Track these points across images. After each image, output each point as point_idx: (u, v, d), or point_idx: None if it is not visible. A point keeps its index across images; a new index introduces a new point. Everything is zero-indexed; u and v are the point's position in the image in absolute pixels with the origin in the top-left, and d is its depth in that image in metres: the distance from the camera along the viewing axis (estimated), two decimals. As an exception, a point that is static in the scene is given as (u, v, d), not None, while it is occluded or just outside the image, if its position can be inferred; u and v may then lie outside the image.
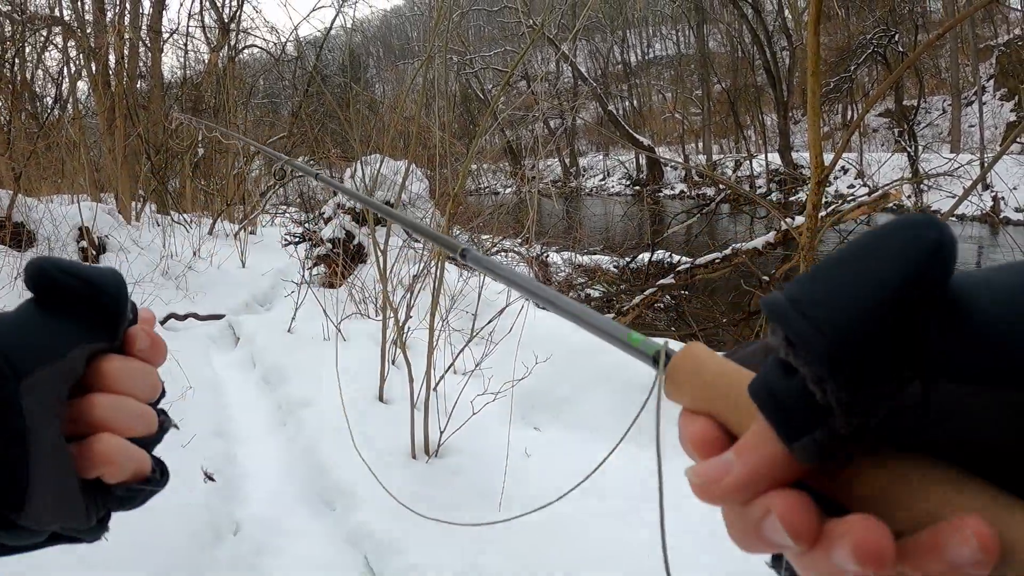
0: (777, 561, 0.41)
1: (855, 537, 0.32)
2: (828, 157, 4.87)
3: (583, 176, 38.78)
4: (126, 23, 17.78)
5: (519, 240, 11.23)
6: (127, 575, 3.33)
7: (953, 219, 7.22)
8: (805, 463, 0.35)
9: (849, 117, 32.23)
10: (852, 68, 27.54)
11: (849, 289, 0.34)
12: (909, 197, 18.67)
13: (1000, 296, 0.33)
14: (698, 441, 0.40)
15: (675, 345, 0.47)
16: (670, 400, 0.45)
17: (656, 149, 33.86)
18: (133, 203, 15.46)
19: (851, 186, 21.98)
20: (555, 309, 0.67)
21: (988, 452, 0.32)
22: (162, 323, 8.43)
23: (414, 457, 4.69)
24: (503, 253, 11.48)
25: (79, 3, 17.08)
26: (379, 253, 5.29)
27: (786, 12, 33.78)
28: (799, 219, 8.09)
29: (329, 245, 10.40)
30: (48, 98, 18.36)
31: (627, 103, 44.04)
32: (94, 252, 9.54)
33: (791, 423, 0.34)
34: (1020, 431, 0.32)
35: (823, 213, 6.09)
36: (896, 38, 26.37)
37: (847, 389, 0.33)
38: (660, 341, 0.49)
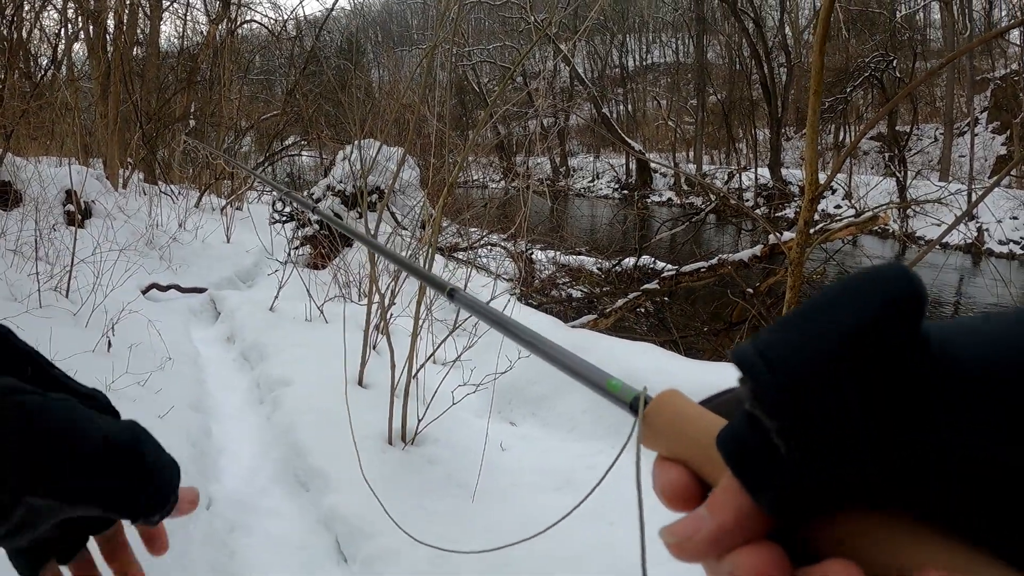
0: None
1: None
2: (820, 176, 4.91)
3: (572, 177, 38.79)
4: (127, -12, 17.66)
5: (505, 236, 11.23)
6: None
7: (937, 248, 7.26)
8: (773, 516, 0.34)
9: (842, 138, 32.35)
10: (848, 90, 27.64)
11: (808, 337, 0.33)
12: (895, 222, 18.78)
13: (984, 352, 0.32)
14: (668, 490, 0.41)
15: (653, 389, 0.47)
16: (646, 447, 0.45)
17: (647, 155, 33.90)
18: (121, 170, 15.38)
19: (838, 206, 22.03)
20: (537, 352, 0.65)
21: (963, 512, 0.32)
22: (144, 292, 8.40)
23: (390, 443, 4.69)
24: (490, 248, 11.47)
25: (80, -36, 16.95)
26: (369, 237, 5.28)
27: (787, 29, 33.95)
28: (787, 234, 8.13)
29: (316, 226, 10.38)
30: (44, 58, 18.26)
31: (621, 107, 44.08)
32: (80, 216, 9.48)
33: (756, 477, 0.34)
34: (996, 489, 0.31)
35: (811, 230, 6.13)
36: (894, 63, 26.50)
37: (802, 438, 0.32)
38: (639, 388, 0.49)
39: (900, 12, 31.91)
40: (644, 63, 47.74)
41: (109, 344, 5.93)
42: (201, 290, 9.19)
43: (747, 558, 0.34)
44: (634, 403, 0.47)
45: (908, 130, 28.38)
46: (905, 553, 0.32)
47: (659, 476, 0.41)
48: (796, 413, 0.32)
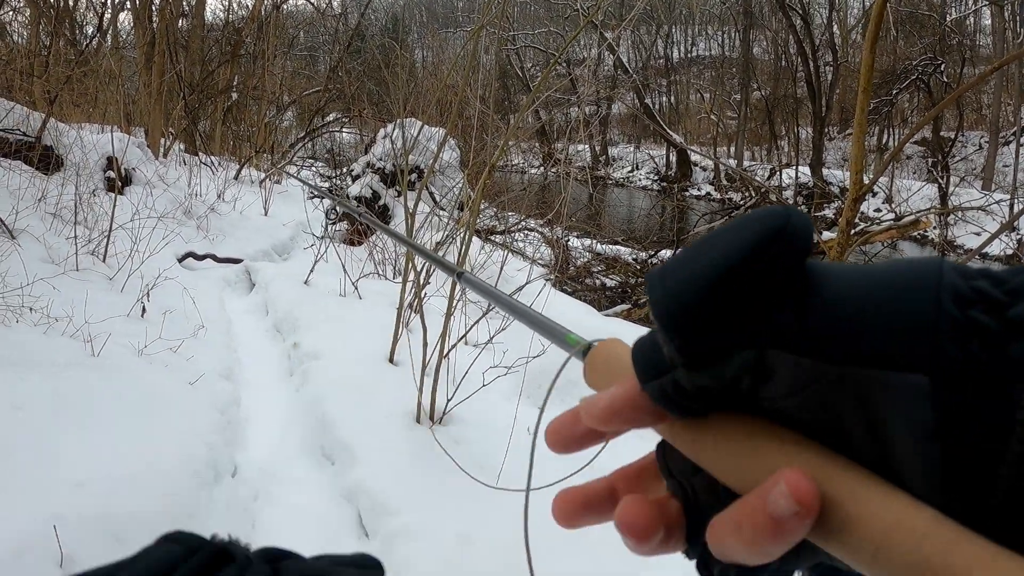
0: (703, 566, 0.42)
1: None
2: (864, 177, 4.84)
3: (612, 166, 38.64)
4: (175, -42, 17.76)
5: (542, 221, 11.21)
6: (128, 499, 3.34)
7: (977, 257, 7.16)
8: (654, 402, 0.39)
9: (885, 140, 32.00)
10: (895, 92, 27.33)
11: (695, 261, 0.37)
12: (936, 228, 18.57)
13: (853, 281, 0.35)
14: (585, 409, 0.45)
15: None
16: (590, 387, 0.50)
17: (688, 149, 33.71)
18: (163, 140, 15.48)
19: (878, 210, 21.82)
20: (517, 316, 0.78)
21: (831, 422, 0.35)
22: (180, 260, 8.44)
23: (418, 421, 4.68)
24: (527, 232, 11.46)
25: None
26: (408, 216, 5.27)
27: (835, 27, 33.60)
28: (827, 234, 8.05)
29: (355, 203, 10.39)
30: (89, 27, 18.40)
31: (664, 98, 43.86)
32: (120, 183, 9.54)
33: (646, 370, 0.39)
34: (856, 405, 0.34)
35: (852, 231, 6.06)
36: (942, 67, 26.16)
37: (678, 346, 0.37)
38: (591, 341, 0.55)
39: (950, 16, 31.49)
40: (689, 55, 47.42)
41: (143, 309, 5.97)
42: (237, 261, 9.23)
43: (623, 506, 0.42)
44: (585, 352, 0.53)
45: (953, 136, 27.99)
46: (777, 459, 0.35)
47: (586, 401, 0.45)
48: (675, 325, 0.37)
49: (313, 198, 13.32)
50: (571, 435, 0.47)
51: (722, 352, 0.36)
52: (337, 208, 10.95)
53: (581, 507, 0.49)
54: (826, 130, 28.83)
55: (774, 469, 0.34)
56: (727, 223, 0.38)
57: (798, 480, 0.32)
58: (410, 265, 5.40)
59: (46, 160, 9.09)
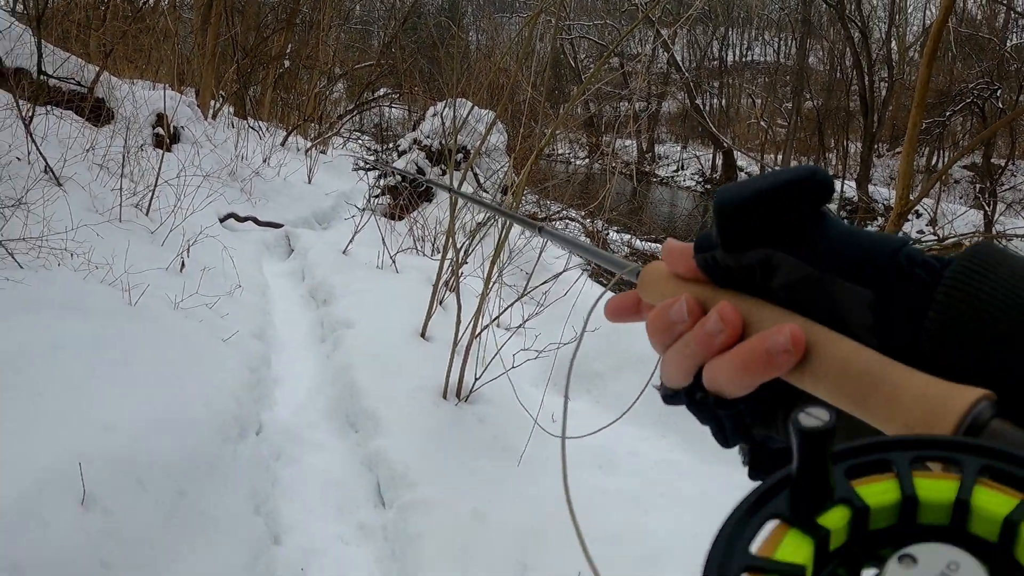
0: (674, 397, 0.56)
1: (720, 310, 0.51)
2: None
3: (657, 164, 38.46)
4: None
5: (584, 212, 11.20)
6: (154, 445, 3.38)
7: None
8: (699, 268, 0.55)
9: (935, 162, 31.62)
10: (948, 114, 26.99)
11: (749, 185, 0.51)
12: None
13: (849, 229, 0.50)
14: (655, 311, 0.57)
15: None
16: (647, 300, 0.62)
17: (735, 153, 33.50)
18: (213, 101, 15.58)
19: (920, 231, 21.59)
20: (568, 245, 0.98)
21: (811, 306, 0.49)
22: (221, 220, 8.51)
23: (444, 398, 4.71)
24: (567, 222, 11.46)
25: None
26: (452, 194, 5.29)
27: (893, 43, 33.22)
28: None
29: (399, 178, 10.42)
30: (147, -16, 18.54)
31: (715, 100, 43.57)
32: (168, 139, 9.62)
33: (699, 245, 0.54)
34: (826, 298, 0.49)
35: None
36: (998, 93, 25.80)
37: (719, 232, 0.52)
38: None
39: (1011, 41, 31.05)
40: (744, 59, 47.06)
41: (183, 264, 6.03)
42: (278, 225, 9.30)
43: (685, 297, 0.54)
44: (637, 275, 0.65)
45: (1004, 163, 27.63)
46: (777, 318, 0.49)
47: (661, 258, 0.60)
48: (721, 218, 0.52)
49: (362, 169, 13.37)
50: (625, 305, 0.63)
51: (745, 245, 0.51)
52: (380, 155, 10.97)
53: (618, 309, 0.64)
54: (876, 146, 28.59)
55: (772, 324, 0.48)
56: (782, 168, 0.52)
57: (795, 329, 0.46)
58: (450, 242, 5.42)
59: (97, 112, 9.17)
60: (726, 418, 0.54)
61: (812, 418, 0.33)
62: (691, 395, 0.54)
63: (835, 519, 0.34)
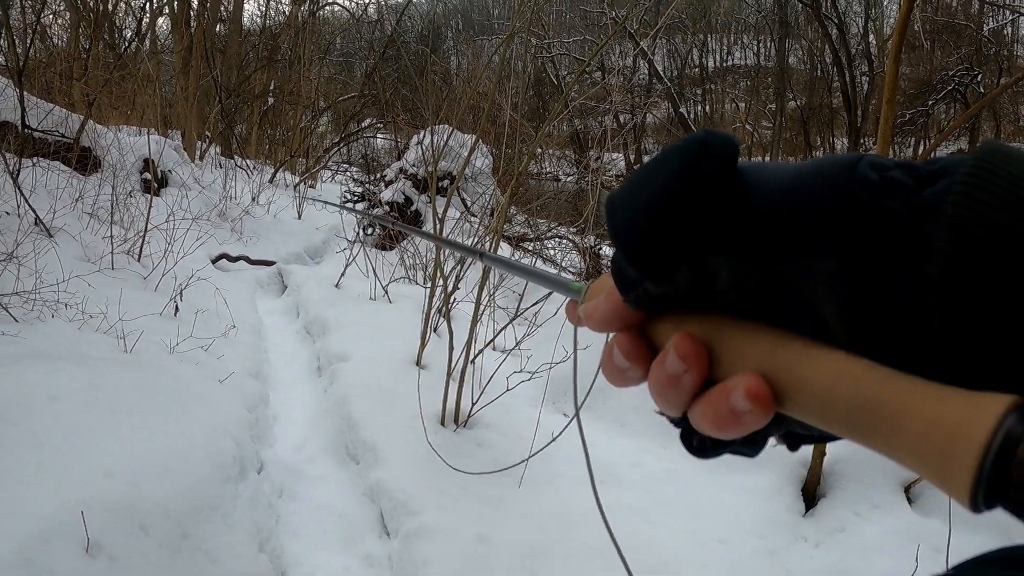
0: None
1: (675, 343, 0.44)
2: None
3: (645, 175, 38.46)
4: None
5: (574, 229, 11.24)
6: (155, 489, 3.41)
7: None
8: (634, 310, 0.47)
9: (921, 152, 31.70)
10: (930, 103, 27.09)
11: (638, 195, 0.44)
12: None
13: (779, 182, 0.41)
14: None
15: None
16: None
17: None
18: (199, 143, 15.64)
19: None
20: (509, 269, 0.87)
21: (771, 305, 0.42)
22: (213, 261, 8.54)
23: (443, 424, 4.74)
24: (557, 240, 11.50)
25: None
26: (437, 221, 5.33)
27: (871, 37, 33.35)
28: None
29: (387, 207, 10.48)
30: (128, 31, 18.62)
31: (699, 107, 43.74)
32: (156, 184, 9.67)
33: (623, 287, 0.46)
34: (786, 291, 0.41)
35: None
36: (979, 78, 25.92)
37: (637, 270, 0.44)
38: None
39: (987, 26, 31.18)
40: (724, 64, 47.27)
41: (176, 308, 6.06)
42: (270, 263, 9.33)
43: (620, 337, 0.49)
44: (584, 293, 0.58)
45: (989, 147, 27.61)
46: (736, 349, 0.42)
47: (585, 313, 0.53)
48: (630, 256, 0.44)
49: (348, 202, 13.43)
50: (614, 372, 0.52)
51: (671, 268, 0.43)
52: (367, 188, 11.03)
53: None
54: (862, 141, 28.63)
55: (737, 360, 0.42)
56: (667, 147, 0.44)
57: (752, 384, 0.39)
58: (439, 271, 5.46)
59: (84, 161, 9.21)
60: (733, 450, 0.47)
61: None
62: (687, 439, 0.48)
63: None
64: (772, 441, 0.48)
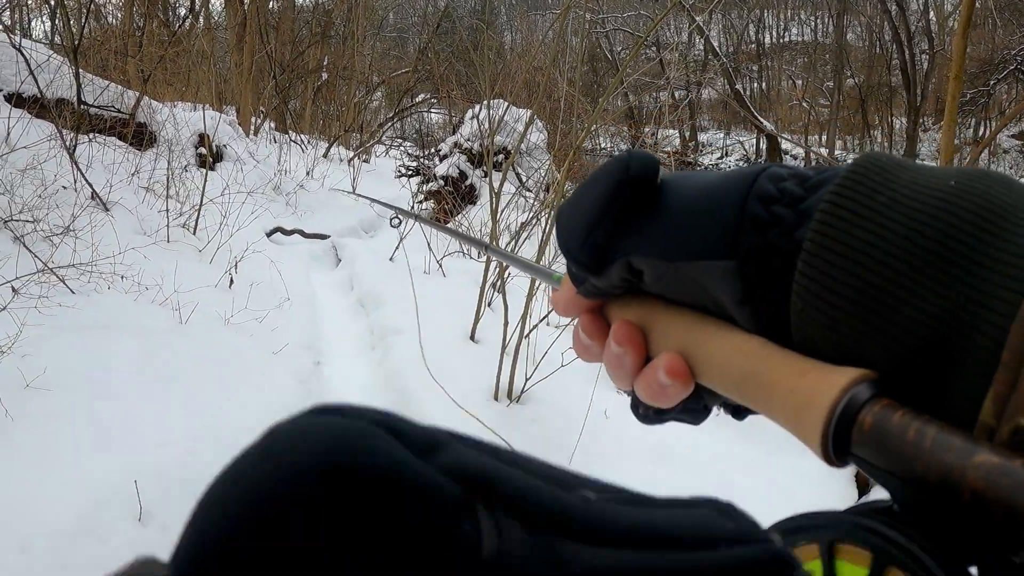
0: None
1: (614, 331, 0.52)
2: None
3: (701, 152, 38.18)
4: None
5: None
6: (208, 458, 3.41)
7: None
8: (588, 299, 0.54)
9: (982, 133, 31.05)
10: (992, 83, 26.52)
11: (576, 210, 0.50)
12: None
13: (689, 194, 0.47)
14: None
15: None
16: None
17: (779, 136, 33.19)
18: (253, 118, 15.73)
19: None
20: (510, 262, 0.99)
21: (688, 296, 0.48)
22: (268, 235, 8.58)
23: (496, 399, 4.71)
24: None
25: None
26: (493, 195, 5.29)
27: (931, 14, 32.73)
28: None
29: (442, 182, 10.46)
30: (182, 8, 18.74)
31: (755, 84, 43.19)
32: (211, 159, 9.71)
33: (574, 280, 0.53)
34: (696, 285, 0.47)
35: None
36: (1044, 57, 25.31)
37: (578, 268, 0.51)
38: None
39: (1056, 3, 30.42)
40: (781, 40, 46.64)
41: (231, 281, 6.08)
42: (324, 236, 9.35)
43: (583, 319, 0.56)
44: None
45: (1054, 129, 27.10)
46: (663, 328, 0.49)
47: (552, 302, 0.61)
48: (571, 259, 0.51)
49: (402, 175, 13.42)
50: (581, 348, 0.59)
51: (604, 267, 0.50)
52: (421, 162, 11.03)
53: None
54: (921, 120, 28.20)
55: (664, 337, 0.49)
56: (599, 168, 0.50)
57: (670, 361, 0.47)
58: (495, 242, 5.42)
59: (140, 136, 9.27)
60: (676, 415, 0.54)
61: None
62: (635, 408, 0.55)
63: None
64: (717, 411, 0.55)
